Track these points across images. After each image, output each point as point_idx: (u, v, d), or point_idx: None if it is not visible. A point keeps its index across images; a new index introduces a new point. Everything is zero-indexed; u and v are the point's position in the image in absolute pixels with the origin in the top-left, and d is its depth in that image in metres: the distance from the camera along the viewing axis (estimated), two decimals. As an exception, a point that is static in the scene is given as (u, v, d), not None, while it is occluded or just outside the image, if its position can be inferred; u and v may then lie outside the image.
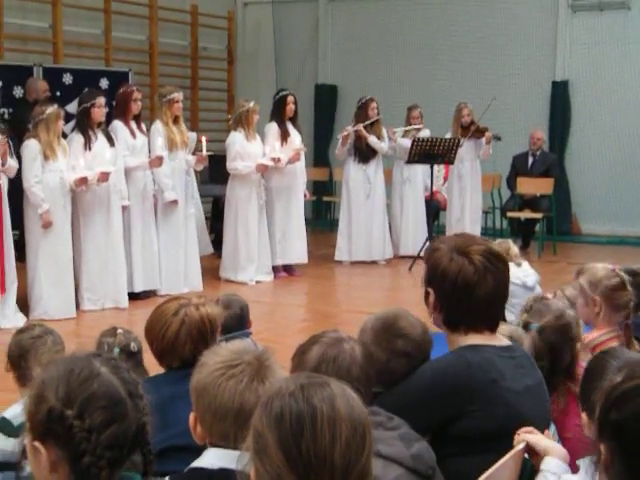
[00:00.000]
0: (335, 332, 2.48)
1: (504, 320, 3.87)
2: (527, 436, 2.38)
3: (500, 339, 2.61)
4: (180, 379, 2.63)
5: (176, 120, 8.55)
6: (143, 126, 8.44)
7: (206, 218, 10.34)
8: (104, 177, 7.62)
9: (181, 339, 2.81)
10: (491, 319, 2.58)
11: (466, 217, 10.60)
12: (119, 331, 3.27)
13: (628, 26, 11.95)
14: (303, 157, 9.74)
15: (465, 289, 2.52)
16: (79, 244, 7.78)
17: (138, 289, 8.22)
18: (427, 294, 2.61)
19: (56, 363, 1.69)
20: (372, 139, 10.26)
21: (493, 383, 2.44)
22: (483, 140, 10.46)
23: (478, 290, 2.51)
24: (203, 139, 8.68)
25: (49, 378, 1.64)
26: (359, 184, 10.41)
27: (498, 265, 2.54)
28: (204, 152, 8.65)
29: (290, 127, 9.56)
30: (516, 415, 2.44)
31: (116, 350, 3.16)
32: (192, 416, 2.15)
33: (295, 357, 2.43)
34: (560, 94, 12.39)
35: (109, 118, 8.27)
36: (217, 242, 9.87)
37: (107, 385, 1.62)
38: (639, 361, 2.39)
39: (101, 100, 7.79)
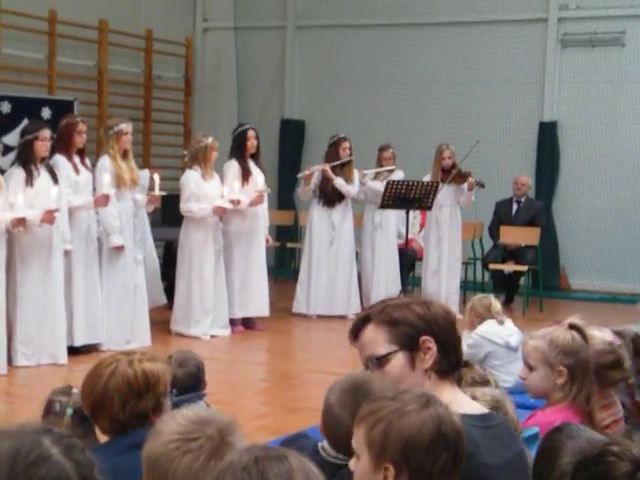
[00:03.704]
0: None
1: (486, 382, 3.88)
2: None
3: (474, 406, 2.60)
4: (125, 450, 2.61)
5: (125, 155, 8.57)
6: (87, 161, 8.44)
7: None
8: (49, 217, 7.58)
9: (109, 393, 2.80)
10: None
11: (443, 269, 10.64)
12: (74, 390, 3.25)
13: (622, 64, 12.20)
14: (266, 199, 9.78)
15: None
16: (14, 291, 7.71)
17: (78, 343, 8.17)
18: None
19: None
20: (338, 181, 10.33)
21: (469, 457, 2.42)
22: (465, 186, 10.55)
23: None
24: (156, 177, 8.69)
25: None
26: (323, 230, 10.47)
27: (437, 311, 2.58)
28: (157, 191, 8.66)
29: (252, 165, 9.62)
30: None
31: (69, 411, 3.13)
32: None
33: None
34: (548, 136, 12.58)
35: (50, 152, 8.26)
36: (169, 291, 9.84)
37: (58, 470, 1.56)
38: (600, 440, 2.41)
39: (45, 133, 7.81)
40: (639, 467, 1.67)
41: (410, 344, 2.52)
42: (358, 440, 2.11)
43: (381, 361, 2.54)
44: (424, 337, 2.50)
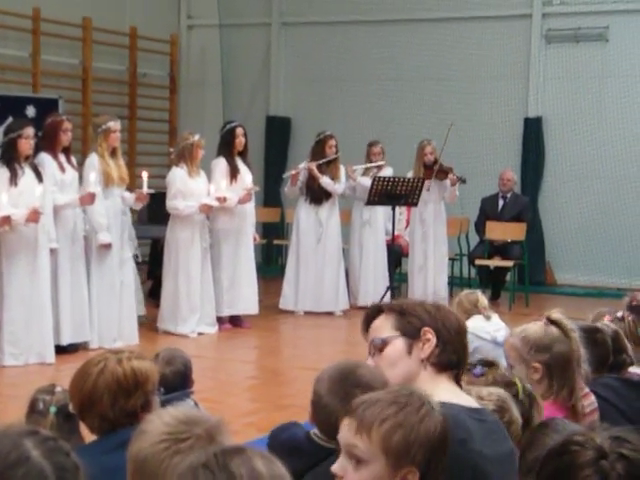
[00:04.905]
0: None
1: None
2: None
3: (470, 401, 2.61)
4: (113, 449, 2.61)
5: (114, 152, 8.55)
6: (73, 159, 8.43)
7: (144, 262, 10.25)
8: (34, 216, 7.56)
9: (98, 391, 2.80)
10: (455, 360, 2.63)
11: (429, 265, 10.67)
12: (58, 389, 3.26)
13: (606, 59, 12.26)
14: (254, 197, 9.78)
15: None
16: (1, 291, 7.70)
17: (65, 341, 8.15)
18: None
19: None
20: (324, 180, 10.33)
21: (462, 443, 2.39)
22: (447, 182, 10.57)
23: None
24: (144, 174, 8.68)
25: None
26: (310, 227, 10.47)
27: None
28: (145, 189, 8.64)
29: (240, 163, 9.60)
30: None
31: (53, 410, 3.14)
32: None
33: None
34: (533, 131, 12.62)
35: (35, 150, 8.24)
36: (156, 289, 9.79)
37: (36, 472, 1.55)
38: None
39: (29, 131, 7.79)
40: (602, 455, 1.69)
41: (412, 332, 2.61)
42: (366, 447, 2.05)
43: (381, 344, 2.62)
44: (426, 328, 2.59)
